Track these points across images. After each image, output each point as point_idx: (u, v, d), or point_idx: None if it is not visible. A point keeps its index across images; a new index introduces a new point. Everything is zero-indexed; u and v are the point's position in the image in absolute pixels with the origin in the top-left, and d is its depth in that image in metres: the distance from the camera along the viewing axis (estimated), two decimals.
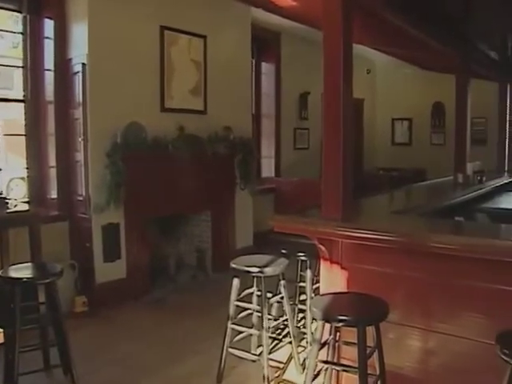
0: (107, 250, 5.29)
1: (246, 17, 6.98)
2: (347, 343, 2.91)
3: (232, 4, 6.60)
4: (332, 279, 3.25)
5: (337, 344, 3.00)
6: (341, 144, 3.07)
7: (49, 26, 5.26)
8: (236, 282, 3.61)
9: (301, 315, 4.24)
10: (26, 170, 5.39)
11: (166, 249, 6.37)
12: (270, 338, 3.89)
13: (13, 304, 3.27)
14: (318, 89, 3.28)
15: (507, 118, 8.87)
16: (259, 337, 3.64)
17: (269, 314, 3.73)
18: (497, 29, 6.27)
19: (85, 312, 5.04)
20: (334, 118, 3.09)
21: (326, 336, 2.86)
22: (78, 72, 5.14)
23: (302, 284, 4.06)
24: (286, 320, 3.82)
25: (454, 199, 4.90)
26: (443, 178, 6.56)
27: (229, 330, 3.65)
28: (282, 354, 3.99)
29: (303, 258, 3.95)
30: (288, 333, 3.90)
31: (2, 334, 3.59)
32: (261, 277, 3.50)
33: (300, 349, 3.96)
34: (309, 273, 3.88)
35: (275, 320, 3.96)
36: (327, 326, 2.75)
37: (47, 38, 5.29)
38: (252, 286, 3.76)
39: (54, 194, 5.44)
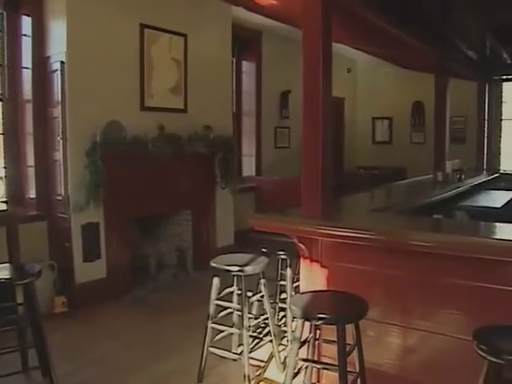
0: (87, 249, 5.25)
1: (226, 15, 6.97)
2: (327, 341, 2.92)
3: (213, 2, 6.59)
4: (312, 277, 3.26)
5: (317, 342, 3.01)
6: (320, 143, 3.08)
7: (26, 24, 5.20)
8: (216, 281, 3.60)
9: (282, 314, 4.24)
10: (3, 170, 5.33)
11: (147, 248, 6.34)
12: (251, 336, 3.89)
13: None
14: (299, 88, 3.28)
15: (486, 117, 8.98)
16: (240, 336, 3.63)
17: (249, 313, 3.73)
18: (475, 28, 6.33)
19: (64, 312, 5.00)
20: (314, 116, 3.10)
21: (306, 334, 2.87)
22: (56, 70, 5.09)
23: (282, 282, 4.07)
24: (267, 319, 3.82)
25: (433, 197, 4.95)
26: (423, 176, 6.61)
27: (209, 330, 3.64)
28: (262, 353, 3.98)
29: (283, 256, 3.95)
30: (269, 331, 3.90)
31: None
32: (241, 276, 3.50)
33: (281, 347, 3.96)
34: (289, 271, 3.89)
35: (256, 319, 3.97)
36: (307, 324, 2.76)
37: (25, 35, 5.23)
38: (232, 285, 3.75)
39: (32, 194, 5.39)
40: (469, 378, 2.29)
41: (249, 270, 3.49)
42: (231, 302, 3.74)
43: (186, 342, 4.26)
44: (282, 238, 3.42)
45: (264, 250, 3.92)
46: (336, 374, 2.57)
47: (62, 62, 5.03)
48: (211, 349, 3.65)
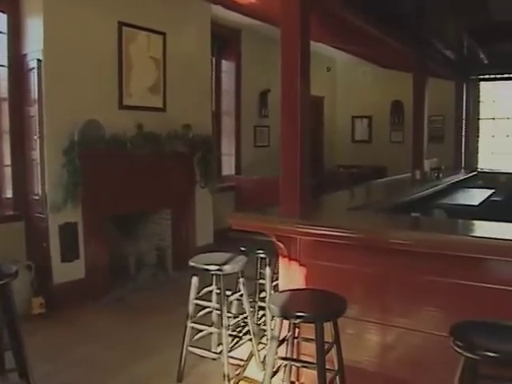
0: (65, 249, 5.20)
1: (205, 14, 6.95)
2: (306, 339, 2.92)
3: (191, 1, 6.57)
4: (290, 276, 3.27)
5: (296, 340, 3.02)
6: (298, 142, 3.09)
7: (2, 21, 5.12)
8: (195, 280, 3.59)
9: (261, 312, 4.23)
10: None
11: (126, 248, 6.29)
12: (231, 335, 3.88)
13: None
14: (279, 86, 3.28)
15: (463, 116, 9.08)
16: (219, 335, 3.63)
17: (228, 312, 3.72)
18: (452, 29, 6.39)
19: (42, 314, 4.94)
20: (292, 115, 3.11)
21: (285, 333, 2.87)
22: (33, 68, 5.03)
23: (261, 281, 4.06)
24: (246, 317, 3.82)
25: (411, 195, 4.99)
26: (402, 174, 6.66)
27: (188, 329, 3.63)
28: (242, 352, 3.97)
29: (262, 255, 3.95)
30: (248, 330, 3.89)
31: None
32: (220, 275, 3.50)
33: (261, 346, 3.96)
34: (268, 270, 3.89)
35: (235, 318, 3.96)
36: (286, 322, 2.76)
37: (0, 32, 5.15)
38: (211, 284, 3.74)
39: (9, 194, 5.32)
40: (446, 373, 2.31)
41: (227, 269, 3.48)
42: (210, 301, 3.74)
43: (166, 341, 4.24)
44: (261, 237, 3.41)
45: (243, 248, 3.92)
46: (315, 372, 2.57)
47: (38, 60, 4.97)
48: (191, 348, 3.64)
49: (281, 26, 3.22)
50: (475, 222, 3.23)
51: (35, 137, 5.09)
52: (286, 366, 3.00)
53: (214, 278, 3.66)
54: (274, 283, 3.91)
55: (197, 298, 3.64)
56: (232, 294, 3.80)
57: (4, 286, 3.35)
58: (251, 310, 3.98)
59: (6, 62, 5.15)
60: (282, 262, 3.32)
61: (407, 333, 2.96)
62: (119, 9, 5.66)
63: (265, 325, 4.08)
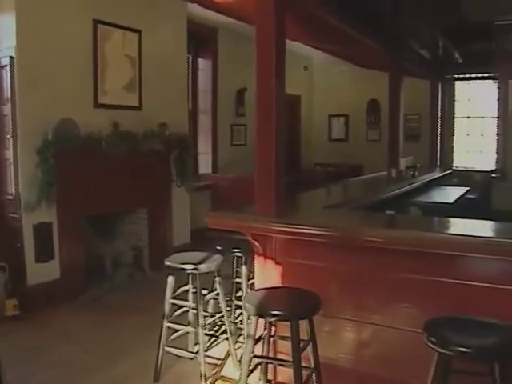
0: (39, 250, 5.13)
1: (181, 12, 6.91)
2: (283, 338, 2.93)
3: None
4: (266, 274, 3.27)
5: (273, 339, 3.02)
6: (273, 140, 3.09)
7: None
8: (171, 279, 3.58)
9: (238, 311, 4.23)
10: None
11: (102, 247, 6.24)
12: (207, 335, 3.87)
13: None
14: (255, 85, 3.27)
15: (439, 115, 9.19)
16: (196, 334, 3.62)
17: (205, 311, 3.71)
18: (427, 29, 6.45)
19: (16, 315, 4.87)
20: (267, 114, 3.11)
21: (261, 331, 2.87)
22: (5, 66, 4.95)
23: (238, 280, 4.06)
24: (223, 317, 3.81)
25: (387, 193, 5.03)
26: (378, 172, 6.71)
27: (164, 329, 3.61)
28: (219, 351, 3.96)
29: (238, 254, 3.95)
30: (225, 329, 3.88)
31: None
32: (195, 274, 3.49)
33: (238, 345, 3.96)
34: (244, 269, 3.89)
35: (212, 317, 3.95)
36: (262, 321, 2.76)
37: None
38: (187, 284, 3.73)
39: None
40: (421, 369, 2.34)
41: (203, 268, 3.48)
42: (187, 300, 3.71)
43: (143, 342, 4.21)
44: (238, 236, 3.41)
45: (219, 247, 3.91)
46: (291, 370, 2.58)
47: (11, 58, 4.89)
48: (167, 348, 3.63)
49: (256, 25, 3.21)
50: (449, 219, 3.28)
51: (8, 136, 5.02)
52: (262, 364, 3.00)
53: (190, 277, 3.64)
54: (251, 282, 3.91)
55: (173, 298, 3.62)
56: (208, 293, 3.79)
57: None
58: (228, 308, 3.97)
59: None
60: (258, 261, 3.32)
61: (382, 329, 2.98)
62: (94, 6, 5.60)
63: (242, 324, 4.09)
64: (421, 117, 10.37)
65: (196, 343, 3.68)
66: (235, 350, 3.83)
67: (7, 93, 4.98)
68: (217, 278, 3.69)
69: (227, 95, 8.83)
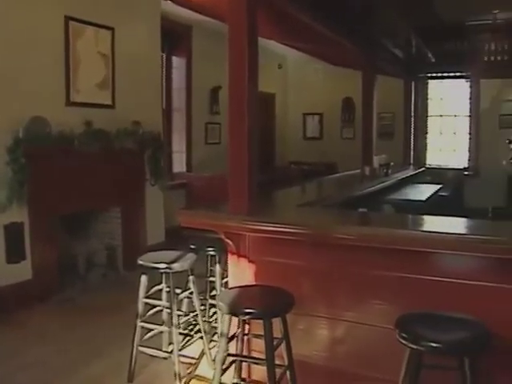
0: (10, 250, 5.04)
1: (155, 9, 6.87)
2: (256, 336, 2.93)
3: None
4: (240, 273, 3.26)
5: (247, 337, 3.02)
6: (246, 139, 3.08)
7: None
8: (144, 279, 3.55)
9: (213, 310, 4.23)
10: None
11: (76, 247, 6.17)
12: (182, 334, 3.86)
13: None
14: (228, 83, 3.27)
15: (412, 114, 9.29)
16: (170, 334, 3.60)
17: (179, 310, 3.69)
18: (400, 28, 6.51)
19: None
20: (239, 112, 3.10)
21: (235, 330, 2.87)
22: None
23: (212, 279, 4.05)
24: (197, 315, 3.80)
25: (360, 191, 5.06)
26: (352, 170, 6.75)
27: (138, 329, 3.58)
28: (194, 350, 3.96)
29: (212, 252, 3.94)
30: (200, 328, 3.87)
31: None
32: (169, 273, 3.47)
33: (212, 344, 3.95)
34: (218, 267, 3.88)
35: (186, 316, 3.93)
36: (235, 319, 2.76)
37: None
38: (161, 283, 3.70)
39: None
40: (394, 365, 2.36)
41: (176, 266, 3.46)
42: (160, 299, 3.69)
43: (117, 341, 4.17)
44: (213, 235, 3.40)
45: (192, 246, 3.89)
46: (265, 368, 2.58)
47: None
48: (141, 348, 3.60)
49: (228, 22, 3.20)
50: (422, 216, 3.31)
51: None
52: (236, 362, 2.99)
53: (164, 276, 3.62)
54: (225, 280, 3.90)
55: (146, 297, 3.60)
56: (182, 292, 3.77)
57: None
58: (203, 307, 3.96)
59: None
60: (231, 259, 3.32)
61: (355, 326, 3.00)
62: (66, 2, 5.53)
63: (216, 322, 4.08)
64: (395, 115, 10.48)
65: (170, 343, 3.66)
66: (210, 349, 3.82)
67: None
68: (190, 277, 3.67)
69: (201, 93, 8.80)
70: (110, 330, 4.50)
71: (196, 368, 3.79)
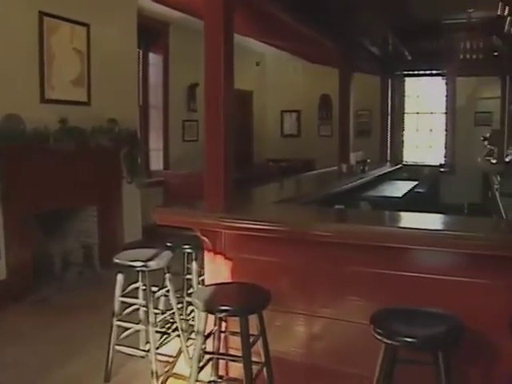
0: None
1: (131, 6, 6.81)
2: (233, 333, 2.92)
3: None
4: (216, 270, 3.25)
5: (224, 335, 3.02)
6: (222, 136, 3.07)
7: None
8: (120, 277, 3.53)
9: (190, 308, 4.21)
10: None
11: (51, 246, 6.09)
12: (159, 332, 3.84)
13: None
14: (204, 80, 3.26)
15: (389, 111, 9.35)
16: (147, 332, 3.58)
17: (155, 309, 3.67)
18: (377, 26, 6.56)
19: None
20: (215, 109, 3.09)
21: (212, 327, 2.86)
22: None
23: (189, 276, 4.03)
24: (174, 313, 3.78)
25: (337, 188, 5.07)
26: (330, 168, 6.78)
27: (114, 327, 3.56)
28: (171, 348, 3.94)
29: (189, 250, 3.92)
30: (177, 327, 3.86)
31: None
32: (145, 271, 3.45)
33: (190, 342, 3.93)
34: (194, 265, 3.87)
35: (163, 314, 3.91)
36: (212, 317, 2.75)
37: None
38: (137, 281, 3.68)
39: None
40: (371, 360, 2.37)
41: (152, 264, 3.44)
42: (137, 298, 3.67)
43: (95, 341, 4.13)
44: (190, 232, 3.38)
45: (169, 244, 3.87)
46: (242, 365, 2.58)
47: None
48: (118, 347, 3.58)
49: (204, 19, 3.18)
50: (398, 213, 3.34)
51: None
52: (213, 360, 2.99)
53: (140, 274, 3.60)
54: (201, 278, 3.88)
55: (123, 296, 3.57)
56: (158, 290, 3.75)
57: None
58: (180, 305, 3.95)
59: None
60: (208, 257, 3.30)
61: (333, 323, 3.01)
62: None
63: (194, 320, 4.06)
64: (372, 113, 10.53)
65: (147, 341, 3.63)
66: (187, 347, 3.81)
67: None
68: (167, 275, 3.66)
69: (179, 91, 8.76)
70: (87, 329, 4.47)
71: (173, 366, 3.77)
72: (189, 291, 4.08)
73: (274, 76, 11.78)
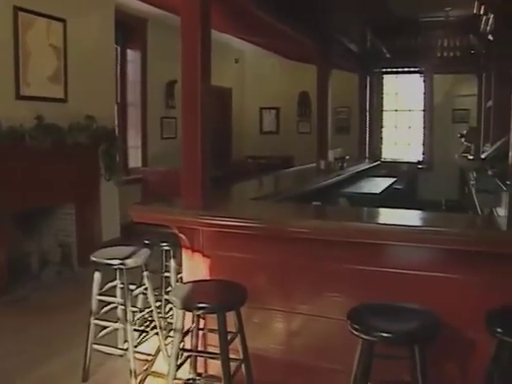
0: None
1: (109, 1, 6.76)
2: (211, 330, 2.92)
3: None
4: (194, 268, 3.25)
5: (202, 332, 3.01)
6: (199, 133, 3.07)
7: None
8: (97, 275, 3.50)
9: (169, 306, 4.19)
10: None
11: (29, 245, 6.02)
12: (137, 330, 3.81)
13: None
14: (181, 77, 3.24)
15: (367, 108, 9.40)
16: (125, 330, 3.55)
17: (134, 307, 3.65)
18: (355, 23, 6.59)
19: None
20: (192, 106, 3.08)
21: (190, 324, 2.86)
22: None
23: (167, 274, 4.02)
24: (152, 311, 3.76)
25: (315, 185, 5.09)
26: (308, 164, 6.80)
27: (92, 326, 3.52)
28: (150, 347, 3.91)
29: (167, 247, 3.90)
30: (156, 325, 3.84)
31: None
32: (122, 269, 3.42)
33: (168, 340, 3.91)
34: (172, 262, 3.85)
35: (141, 312, 3.89)
36: (190, 314, 2.75)
37: None
38: (115, 279, 3.65)
39: None
40: (349, 356, 2.38)
41: (130, 262, 3.41)
42: (115, 296, 3.64)
43: (73, 340, 4.07)
44: (169, 229, 3.37)
45: (146, 241, 3.85)
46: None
47: None
48: (96, 346, 3.55)
49: (181, 15, 3.16)
50: (376, 209, 3.36)
51: None
52: (191, 357, 2.98)
53: (118, 272, 3.57)
54: (180, 276, 3.87)
55: (101, 294, 3.54)
56: (136, 288, 3.73)
57: None
58: (158, 303, 3.93)
59: None
60: (185, 254, 3.29)
61: (310, 319, 3.02)
62: None
63: (172, 318, 4.04)
64: (351, 109, 10.58)
65: (126, 340, 3.61)
66: (166, 345, 3.79)
67: None
68: (145, 273, 3.63)
69: (157, 87, 8.69)
70: (66, 328, 4.42)
71: (152, 364, 3.75)
72: (167, 289, 4.07)
73: (253, 73, 11.76)
